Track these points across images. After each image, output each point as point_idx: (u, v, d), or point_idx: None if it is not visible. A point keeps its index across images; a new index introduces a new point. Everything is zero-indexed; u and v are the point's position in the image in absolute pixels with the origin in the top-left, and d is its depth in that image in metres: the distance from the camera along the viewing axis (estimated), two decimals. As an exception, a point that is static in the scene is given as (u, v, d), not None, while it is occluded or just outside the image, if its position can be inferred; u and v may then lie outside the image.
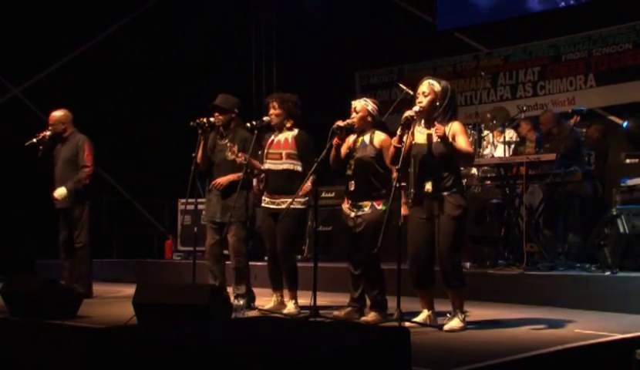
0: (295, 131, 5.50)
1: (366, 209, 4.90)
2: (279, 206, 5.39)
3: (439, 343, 4.13)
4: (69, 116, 6.54)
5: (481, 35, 10.24)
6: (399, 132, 4.55)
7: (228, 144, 5.67)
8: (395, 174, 4.65)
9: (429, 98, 4.59)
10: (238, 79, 11.41)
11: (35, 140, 6.37)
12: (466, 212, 4.62)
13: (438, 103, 4.59)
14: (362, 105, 5.03)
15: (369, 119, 5.02)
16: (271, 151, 5.51)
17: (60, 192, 6.32)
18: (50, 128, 6.46)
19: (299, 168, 5.40)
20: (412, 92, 7.59)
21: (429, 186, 4.52)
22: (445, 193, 4.50)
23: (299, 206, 5.38)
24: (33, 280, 5.55)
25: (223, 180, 5.65)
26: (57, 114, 6.50)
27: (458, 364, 3.38)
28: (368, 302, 5.00)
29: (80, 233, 6.38)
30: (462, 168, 7.85)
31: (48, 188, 6.45)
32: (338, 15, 10.72)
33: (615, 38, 9.07)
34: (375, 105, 5.08)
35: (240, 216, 5.59)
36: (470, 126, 8.26)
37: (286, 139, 5.49)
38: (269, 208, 5.47)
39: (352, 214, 4.95)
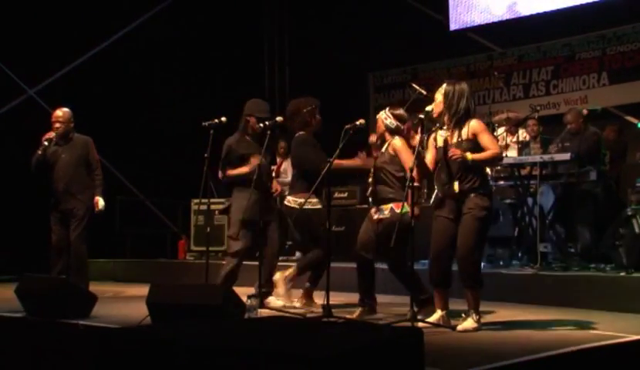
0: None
1: (386, 212, 5.06)
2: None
3: (453, 343, 4.11)
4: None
5: (495, 34, 10.20)
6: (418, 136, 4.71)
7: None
8: (408, 175, 4.69)
9: (438, 104, 4.65)
10: (251, 79, 11.44)
11: (46, 143, 6.37)
12: (491, 214, 4.65)
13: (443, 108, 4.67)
14: (380, 119, 5.21)
15: (387, 132, 5.19)
16: None
17: (102, 203, 6.42)
18: (59, 126, 6.42)
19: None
20: (425, 92, 7.60)
21: (456, 187, 4.54)
22: (472, 195, 4.52)
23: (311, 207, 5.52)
24: (48, 280, 5.59)
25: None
26: (66, 112, 6.50)
27: (471, 365, 3.37)
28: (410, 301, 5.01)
29: (82, 233, 6.40)
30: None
31: (53, 188, 6.46)
32: (351, 15, 10.71)
33: (630, 36, 9.02)
34: (389, 116, 5.18)
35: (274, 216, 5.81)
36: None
37: None
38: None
39: (375, 217, 5.13)
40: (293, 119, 5.70)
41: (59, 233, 6.42)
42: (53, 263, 6.44)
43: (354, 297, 5.59)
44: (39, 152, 6.35)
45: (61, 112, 6.50)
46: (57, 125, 6.45)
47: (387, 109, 5.27)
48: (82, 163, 6.45)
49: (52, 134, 6.40)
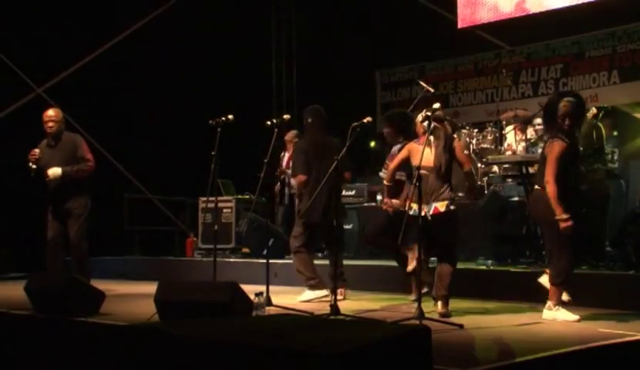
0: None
1: None
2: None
3: (461, 341, 4.11)
4: None
5: (503, 32, 10.15)
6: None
7: None
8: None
9: None
10: (259, 78, 11.44)
11: (34, 166, 6.37)
12: None
13: None
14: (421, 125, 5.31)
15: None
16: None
17: (54, 171, 6.34)
18: (53, 125, 6.44)
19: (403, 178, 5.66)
20: (432, 90, 7.58)
21: None
22: None
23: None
24: (57, 277, 5.61)
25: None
26: (58, 112, 6.51)
27: (479, 362, 3.36)
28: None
29: (80, 229, 6.40)
30: (483, 166, 7.86)
31: (49, 188, 6.47)
32: (358, 13, 10.70)
33: (640, 34, 8.96)
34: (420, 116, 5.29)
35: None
36: (492, 124, 8.21)
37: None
38: None
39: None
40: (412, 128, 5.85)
41: (55, 230, 6.43)
42: (49, 259, 6.45)
43: (358, 295, 5.60)
44: (31, 171, 6.35)
45: (54, 112, 6.52)
46: (50, 124, 6.47)
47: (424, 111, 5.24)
48: (73, 162, 6.45)
49: (35, 152, 6.40)
